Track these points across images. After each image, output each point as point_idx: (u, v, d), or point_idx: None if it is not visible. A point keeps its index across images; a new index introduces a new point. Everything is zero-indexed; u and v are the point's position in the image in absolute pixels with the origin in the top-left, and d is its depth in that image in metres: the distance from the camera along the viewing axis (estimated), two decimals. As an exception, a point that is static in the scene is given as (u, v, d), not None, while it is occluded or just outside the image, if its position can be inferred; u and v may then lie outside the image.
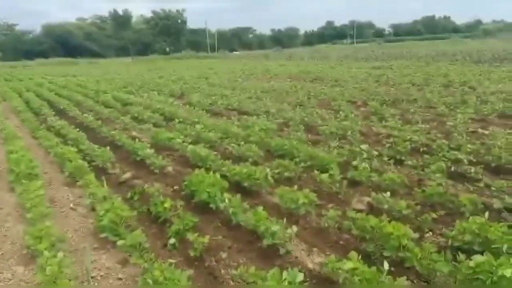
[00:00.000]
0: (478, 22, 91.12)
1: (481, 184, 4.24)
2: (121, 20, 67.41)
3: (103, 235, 3.43)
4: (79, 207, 4.26)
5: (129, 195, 4.47)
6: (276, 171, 4.85)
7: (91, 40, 67.92)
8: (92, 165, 5.48)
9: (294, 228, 3.29)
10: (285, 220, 3.37)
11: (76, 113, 9.72)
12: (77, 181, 4.92)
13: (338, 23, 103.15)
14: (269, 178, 4.50)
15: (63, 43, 62.44)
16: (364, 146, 5.75)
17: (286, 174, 4.83)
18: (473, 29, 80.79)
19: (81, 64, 44.92)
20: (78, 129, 7.62)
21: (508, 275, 2.23)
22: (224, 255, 3.18)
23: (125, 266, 3.05)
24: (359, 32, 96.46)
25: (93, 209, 4.03)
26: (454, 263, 2.59)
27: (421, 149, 5.62)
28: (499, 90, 10.75)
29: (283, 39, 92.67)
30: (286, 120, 8.03)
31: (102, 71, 28.83)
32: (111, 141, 6.85)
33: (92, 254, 3.20)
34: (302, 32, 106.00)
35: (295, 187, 4.02)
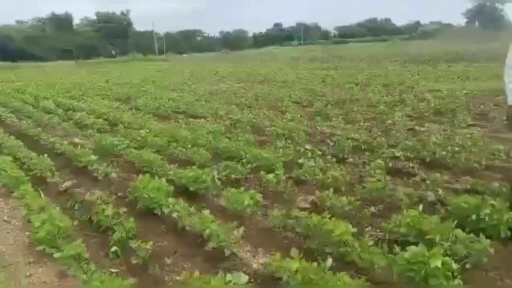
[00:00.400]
0: (417, 24, 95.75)
1: (417, 179, 4.46)
2: (62, 23, 64.69)
3: (39, 248, 3.26)
4: (14, 220, 4.04)
5: (69, 204, 4.30)
6: (224, 173, 4.85)
7: (31, 43, 64.46)
8: (30, 174, 5.21)
9: (240, 230, 3.30)
10: (231, 222, 3.38)
11: (13, 120, 9.20)
12: (13, 192, 4.66)
13: (286, 25, 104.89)
14: (216, 180, 4.50)
15: (1, 48, 58.80)
16: (309, 146, 5.90)
17: (233, 176, 4.84)
18: (413, 31, 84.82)
19: (21, 68, 42.49)
20: (14, 137, 7.22)
21: (439, 265, 2.36)
22: (168, 261, 3.13)
23: (63, 279, 2.92)
24: (306, 34, 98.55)
25: (30, 221, 3.82)
26: (391, 255, 2.70)
27: (362, 147, 5.82)
28: (435, 88, 11.37)
29: (232, 42, 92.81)
30: (234, 122, 8.05)
31: (44, 75, 27.48)
32: (51, 148, 6.55)
33: (28, 269, 3.04)
34: (251, 34, 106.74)
35: (242, 188, 4.04)
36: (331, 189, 3.91)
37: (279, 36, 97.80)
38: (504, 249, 3.02)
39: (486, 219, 3.06)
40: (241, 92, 13.12)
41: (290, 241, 3.36)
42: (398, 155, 5.19)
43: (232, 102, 10.92)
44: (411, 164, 4.92)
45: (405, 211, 3.25)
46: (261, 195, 3.94)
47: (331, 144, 6.06)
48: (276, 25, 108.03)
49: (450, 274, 2.41)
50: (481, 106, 8.69)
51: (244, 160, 5.22)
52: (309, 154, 5.45)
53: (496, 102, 8.83)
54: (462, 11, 74.66)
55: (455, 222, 3.02)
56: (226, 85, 15.89)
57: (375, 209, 3.79)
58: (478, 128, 6.90)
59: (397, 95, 10.61)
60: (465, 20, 75.84)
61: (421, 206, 3.32)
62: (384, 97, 10.29)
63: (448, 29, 69.82)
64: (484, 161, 4.88)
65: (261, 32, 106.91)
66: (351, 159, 5.38)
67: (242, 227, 3.42)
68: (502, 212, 3.07)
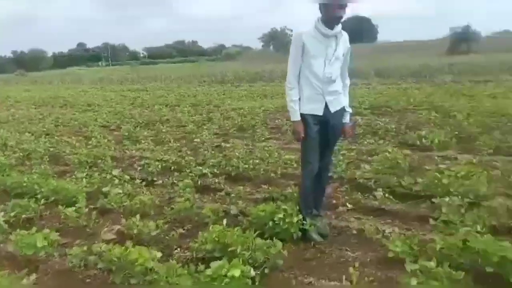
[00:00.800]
0: (222, 47, 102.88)
1: (223, 193, 4.67)
2: None
3: None
4: None
5: None
6: (12, 214, 4.19)
7: None
8: None
9: (32, 277, 2.88)
10: (21, 269, 2.92)
11: None
12: None
13: (91, 45, 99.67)
14: (2, 223, 3.85)
15: None
16: (116, 171, 5.61)
17: (24, 215, 4.22)
18: (218, 53, 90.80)
19: None
20: None
21: (237, 275, 2.47)
22: None
23: None
24: (114, 55, 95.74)
25: None
26: (197, 274, 2.71)
27: (172, 168, 5.82)
28: (238, 106, 12.27)
29: (27, 62, 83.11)
30: (27, 152, 7.10)
31: None
32: None
33: None
34: (50, 54, 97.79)
35: (34, 228, 3.53)
36: (138, 215, 3.75)
37: (83, 56, 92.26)
38: (297, 249, 3.38)
39: (280, 223, 3.37)
40: (37, 118, 11.75)
41: (93, 279, 3.08)
42: (206, 172, 5.36)
43: (26, 130, 9.67)
44: (217, 180, 5.14)
45: (210, 227, 3.33)
46: (59, 233, 3.53)
47: (140, 167, 5.89)
48: (79, 44, 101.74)
49: (249, 281, 2.55)
50: (276, 121, 9.72)
51: (38, 196, 4.62)
52: (116, 181, 5.17)
53: (288, 117, 10.02)
54: (258, 36, 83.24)
55: (256, 230, 3.24)
56: (20, 111, 14.05)
57: (184, 229, 3.80)
58: (274, 140, 7.69)
59: (205, 114, 11.07)
60: (262, 44, 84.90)
61: (225, 220, 3.45)
62: (193, 117, 10.61)
63: (248, 52, 77.13)
64: (279, 170, 5.43)
65: (62, 52, 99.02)
66: (160, 181, 5.32)
67: (35, 273, 3.00)
68: (293, 215, 3.43)
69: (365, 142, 7.01)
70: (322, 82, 3.38)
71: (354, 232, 3.69)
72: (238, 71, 33.81)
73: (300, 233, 3.45)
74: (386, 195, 4.35)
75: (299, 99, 3.44)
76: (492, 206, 3.69)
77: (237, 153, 6.25)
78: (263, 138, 7.75)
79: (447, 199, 3.83)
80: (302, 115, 3.44)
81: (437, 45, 50.91)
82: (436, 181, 4.39)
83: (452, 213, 3.57)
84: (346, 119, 3.63)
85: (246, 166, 5.54)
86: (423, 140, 6.60)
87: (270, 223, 3.44)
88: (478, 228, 3.23)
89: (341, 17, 3.23)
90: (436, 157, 5.87)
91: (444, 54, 41.75)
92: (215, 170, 5.54)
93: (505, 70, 19.77)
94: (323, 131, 3.49)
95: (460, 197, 3.88)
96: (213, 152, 6.66)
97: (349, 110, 3.64)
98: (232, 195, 4.54)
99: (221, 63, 60.59)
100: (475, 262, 2.77)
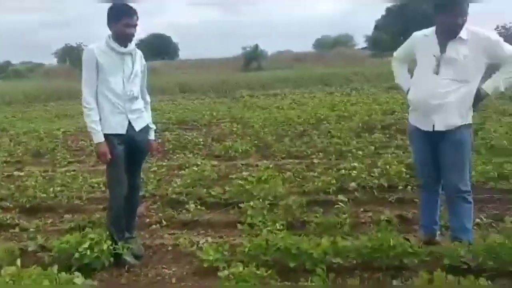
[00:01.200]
0: (8, 63, 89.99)
1: (17, 230, 4.07)
2: None
3: None
4: None
5: None
6: None
7: None
8: None
9: None
10: None
11: None
12: None
13: None
14: None
15: None
16: None
17: None
18: (3, 71, 79.10)
19: None
20: None
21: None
22: None
23: None
24: None
25: None
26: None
27: None
28: (32, 129, 10.89)
29: None
30: None
31: None
32: None
33: None
34: None
35: None
36: None
37: None
38: (110, 277, 3.19)
39: (87, 253, 3.12)
40: None
41: None
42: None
43: None
44: (10, 215, 4.46)
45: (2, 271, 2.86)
46: None
47: None
48: None
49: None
50: (80, 143, 8.98)
51: None
52: None
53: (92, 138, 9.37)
54: (52, 51, 75.64)
55: (61, 265, 2.94)
56: None
57: (-33, 280, 3.16)
58: (78, 164, 7.09)
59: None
60: (56, 59, 77.41)
61: (19, 260, 3.01)
62: (-27, 145, 8.97)
63: (41, 68, 69.42)
64: (86, 195, 5.04)
65: None
66: None
67: None
68: (101, 242, 3.22)
69: (175, 157, 7.12)
70: (124, 100, 3.29)
71: (170, 248, 3.69)
72: (30, 89, 30.11)
73: (113, 259, 3.26)
74: (198, 206, 4.49)
75: (100, 119, 3.27)
76: (288, 204, 4.19)
77: (33, 182, 5.56)
78: (65, 163, 7.08)
79: (251, 203, 4.19)
80: (105, 135, 3.28)
81: (233, 62, 55.31)
82: (241, 187, 4.76)
83: (256, 215, 3.92)
84: (151, 136, 3.62)
85: (45, 195, 4.97)
86: (229, 151, 7.08)
87: (77, 254, 3.15)
88: (278, 226, 3.64)
89: (132, 35, 3.23)
90: (240, 165, 6.36)
91: (239, 70, 45.50)
92: (8, 204, 4.82)
93: (287, 84, 22.88)
94: (129, 150, 3.40)
95: (261, 200, 4.30)
96: (3, 183, 5.77)
97: (153, 126, 3.64)
98: (30, 229, 4.01)
99: (8, 82, 52.98)
100: (278, 257, 3.10)
